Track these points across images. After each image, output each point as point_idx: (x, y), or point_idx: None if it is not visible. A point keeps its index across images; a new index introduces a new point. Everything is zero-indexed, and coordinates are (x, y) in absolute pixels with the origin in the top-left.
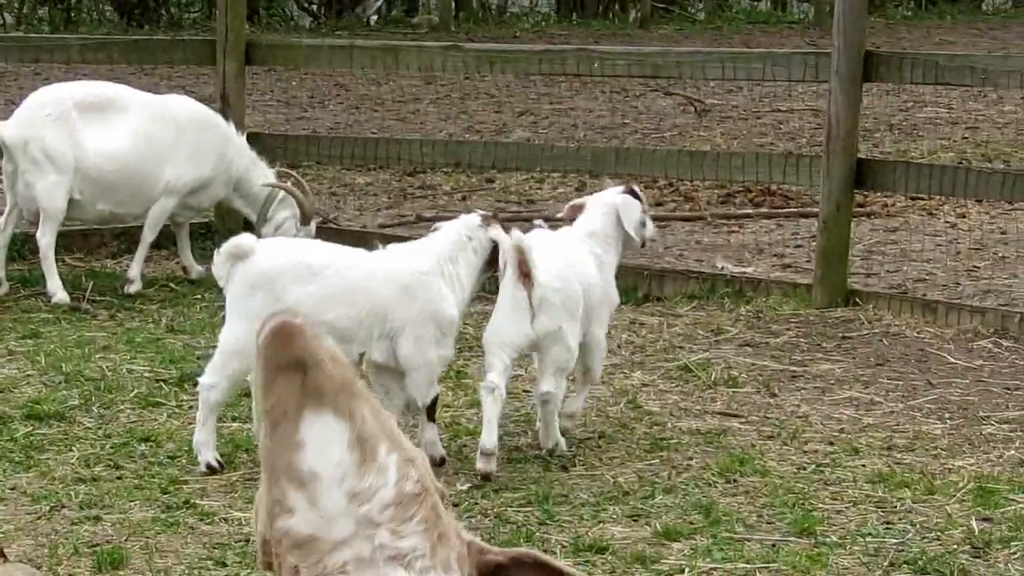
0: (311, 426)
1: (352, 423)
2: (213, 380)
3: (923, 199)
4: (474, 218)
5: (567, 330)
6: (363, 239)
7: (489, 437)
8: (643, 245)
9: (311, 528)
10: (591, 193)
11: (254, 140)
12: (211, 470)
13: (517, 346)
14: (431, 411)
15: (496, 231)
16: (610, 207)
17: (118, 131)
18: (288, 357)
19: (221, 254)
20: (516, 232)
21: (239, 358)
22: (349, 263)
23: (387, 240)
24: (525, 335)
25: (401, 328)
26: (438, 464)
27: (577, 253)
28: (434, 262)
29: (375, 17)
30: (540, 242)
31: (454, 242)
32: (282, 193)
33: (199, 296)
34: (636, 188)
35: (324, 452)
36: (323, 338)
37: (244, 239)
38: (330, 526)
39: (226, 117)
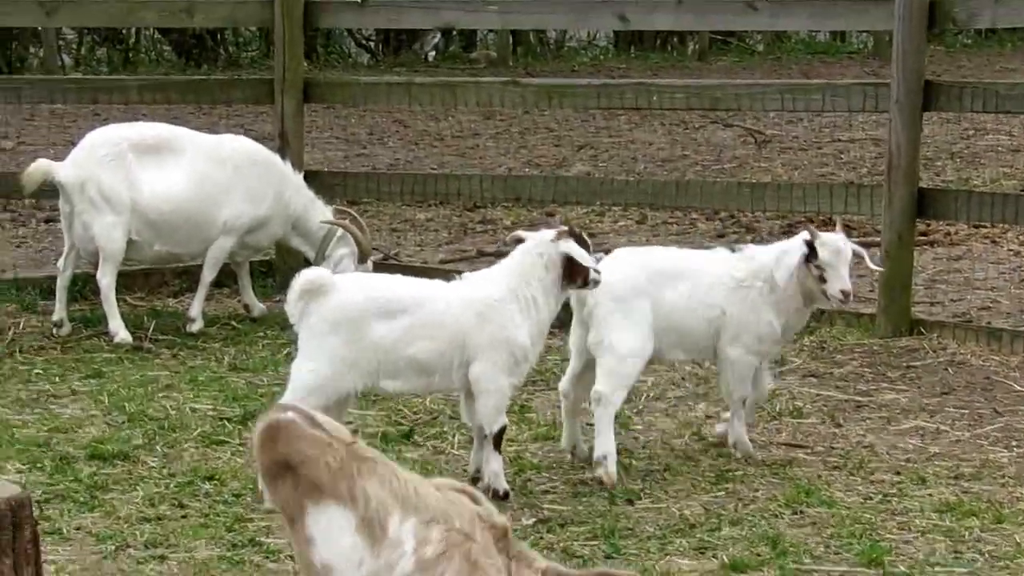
0: (316, 521)
1: (355, 507)
2: None
3: (986, 227)
4: (547, 234)
5: (616, 340)
6: (424, 275)
7: (564, 437)
8: (826, 296)
9: None
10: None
11: (313, 178)
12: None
13: (581, 352)
14: (497, 441)
15: (567, 244)
16: (781, 251)
17: (174, 172)
18: (275, 460)
19: (295, 291)
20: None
21: (316, 395)
22: (428, 296)
23: (448, 276)
24: (583, 343)
25: (476, 354)
26: (502, 497)
27: (696, 271)
28: (506, 288)
29: (433, 53)
30: (629, 256)
31: (526, 264)
32: (340, 231)
33: (261, 334)
34: (821, 238)
35: (332, 543)
36: (314, 425)
37: (320, 274)
38: None
39: (283, 155)
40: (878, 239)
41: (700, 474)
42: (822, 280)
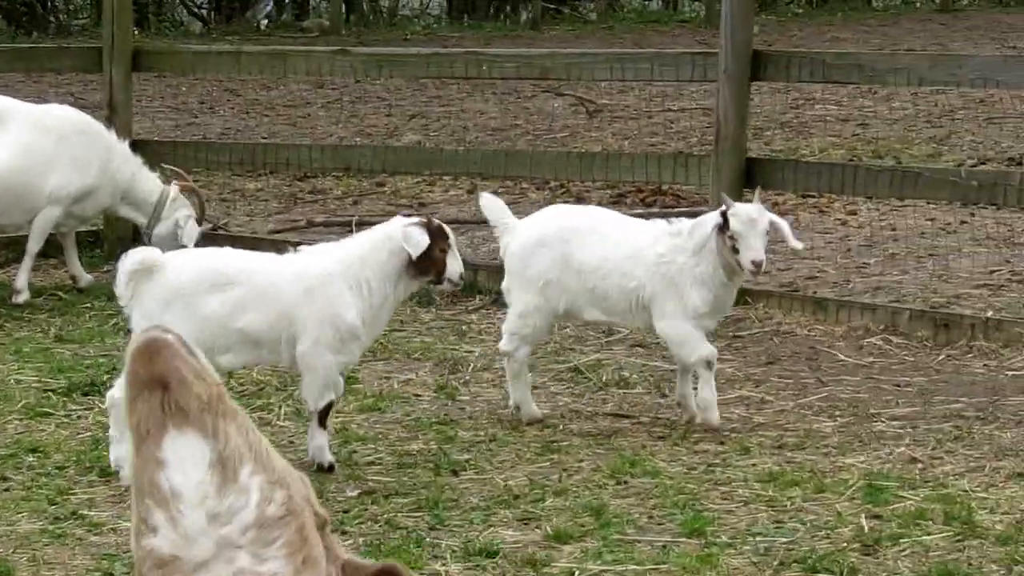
0: (173, 444)
1: (215, 442)
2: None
3: (814, 197)
4: (401, 221)
5: (515, 296)
6: (253, 245)
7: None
8: (741, 268)
9: (173, 548)
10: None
11: (143, 147)
12: None
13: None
14: (323, 417)
15: (409, 233)
16: (696, 222)
17: None
18: (150, 374)
19: (124, 271)
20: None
21: None
22: (258, 268)
23: (278, 246)
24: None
25: (302, 330)
26: (326, 470)
27: (618, 239)
28: (339, 265)
29: (265, 21)
30: (552, 212)
31: (370, 246)
32: (174, 192)
33: (88, 305)
34: (734, 208)
35: (185, 471)
36: (191, 354)
37: (148, 253)
38: (191, 546)
39: (111, 124)
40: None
41: (525, 444)
42: (735, 251)
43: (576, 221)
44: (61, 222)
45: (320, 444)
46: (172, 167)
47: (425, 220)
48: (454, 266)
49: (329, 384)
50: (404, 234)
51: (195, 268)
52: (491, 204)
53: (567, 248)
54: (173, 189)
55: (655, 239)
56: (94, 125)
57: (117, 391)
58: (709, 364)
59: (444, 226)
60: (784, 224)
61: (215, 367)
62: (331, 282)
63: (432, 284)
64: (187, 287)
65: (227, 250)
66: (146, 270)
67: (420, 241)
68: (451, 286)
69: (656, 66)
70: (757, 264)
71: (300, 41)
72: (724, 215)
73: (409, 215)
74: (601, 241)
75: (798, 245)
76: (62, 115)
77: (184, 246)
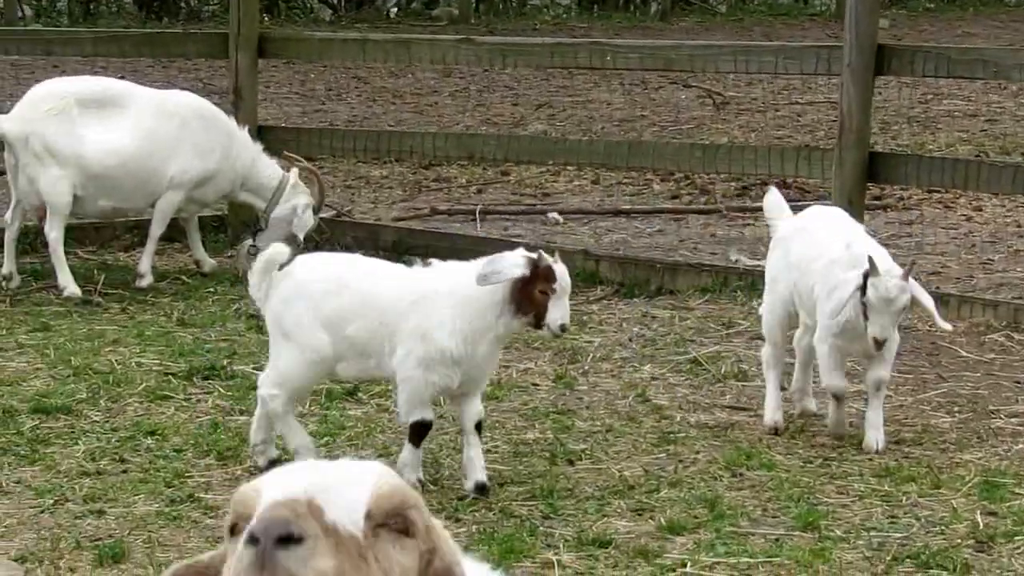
0: None
1: None
2: (275, 392)
3: (939, 192)
4: (517, 252)
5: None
6: (376, 232)
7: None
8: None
9: None
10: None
11: (268, 133)
12: (271, 464)
13: None
14: (412, 435)
15: (497, 267)
16: (835, 284)
17: (119, 126)
18: None
19: (256, 272)
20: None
21: (297, 379)
22: (371, 274)
23: (401, 234)
24: None
25: (400, 342)
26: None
27: (828, 244)
28: (451, 282)
29: (395, 10)
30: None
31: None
32: (294, 178)
33: (211, 289)
34: (874, 278)
35: None
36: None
37: (278, 251)
38: None
39: (236, 110)
40: None
41: (642, 436)
42: (866, 317)
43: (801, 221)
44: (182, 207)
45: (407, 460)
46: (293, 155)
47: (537, 256)
48: (556, 314)
49: (417, 399)
50: (491, 259)
51: (320, 270)
52: (772, 201)
53: (787, 246)
54: (293, 175)
55: (840, 252)
56: (214, 111)
57: (267, 389)
58: (836, 397)
59: (557, 269)
60: (929, 301)
61: (333, 375)
62: (434, 299)
63: (532, 327)
64: (310, 288)
65: (356, 256)
66: (274, 269)
67: (504, 270)
68: (551, 334)
69: (780, 59)
70: (879, 342)
71: (428, 30)
72: (865, 276)
73: (537, 250)
74: (806, 240)
75: (946, 326)
76: (183, 101)
77: (295, 234)
